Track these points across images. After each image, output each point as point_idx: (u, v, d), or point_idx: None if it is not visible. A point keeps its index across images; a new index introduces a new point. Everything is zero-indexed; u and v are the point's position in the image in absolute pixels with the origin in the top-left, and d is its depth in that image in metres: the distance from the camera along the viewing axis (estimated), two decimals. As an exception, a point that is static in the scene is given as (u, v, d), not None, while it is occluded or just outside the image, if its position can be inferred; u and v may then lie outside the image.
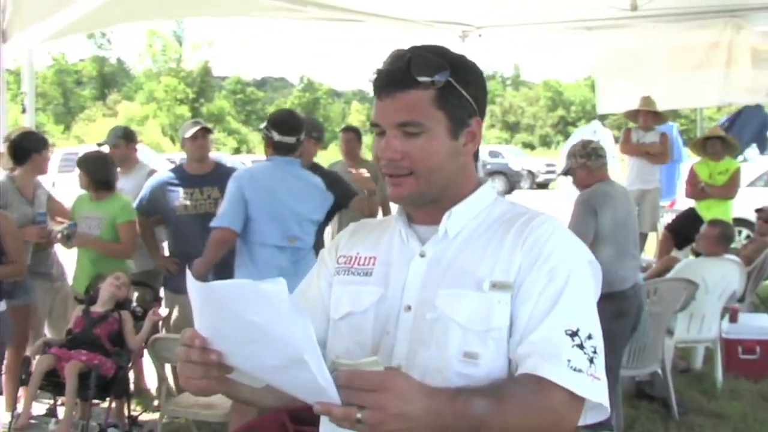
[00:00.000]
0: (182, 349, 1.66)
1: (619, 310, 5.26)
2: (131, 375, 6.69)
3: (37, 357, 5.34)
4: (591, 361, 1.72)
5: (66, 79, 64.23)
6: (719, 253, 6.86)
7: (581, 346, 1.72)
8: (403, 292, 1.91)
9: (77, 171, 6.19)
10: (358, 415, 1.48)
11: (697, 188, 9.16)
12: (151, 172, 6.78)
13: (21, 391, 5.37)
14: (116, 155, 6.80)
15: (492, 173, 31.87)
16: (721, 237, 6.93)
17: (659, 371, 6.24)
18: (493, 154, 34.00)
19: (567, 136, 41.02)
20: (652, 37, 9.79)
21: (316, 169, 5.92)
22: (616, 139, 13.38)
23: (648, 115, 9.81)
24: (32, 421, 5.25)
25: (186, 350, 1.65)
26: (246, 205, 4.94)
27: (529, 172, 35.24)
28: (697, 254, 7.50)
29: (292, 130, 5.16)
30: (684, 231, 8.48)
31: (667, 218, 11.26)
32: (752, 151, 15.62)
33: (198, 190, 6.12)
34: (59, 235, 6.26)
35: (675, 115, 26.02)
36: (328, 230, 6.58)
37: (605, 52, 10.47)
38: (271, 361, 1.53)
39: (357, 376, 1.50)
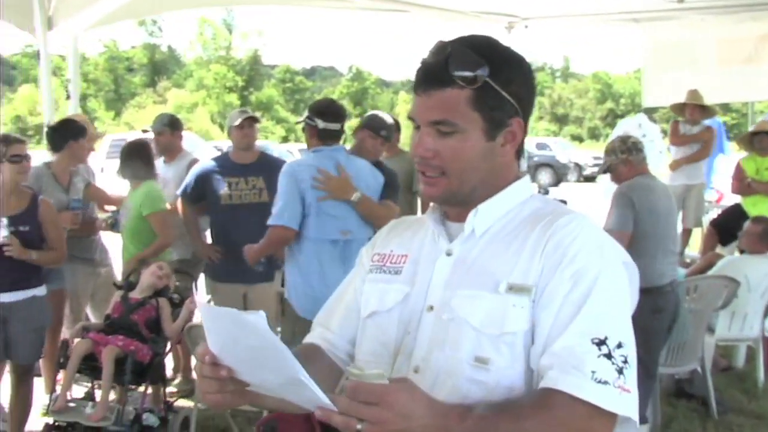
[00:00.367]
0: (197, 365, 1.66)
1: (655, 306, 5.20)
2: (173, 360, 6.81)
3: (76, 341, 5.40)
4: (620, 371, 1.60)
5: (117, 66, 65.04)
6: (762, 250, 6.73)
7: (609, 356, 1.61)
8: (428, 291, 1.86)
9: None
10: (358, 427, 1.47)
11: (743, 184, 8.99)
12: (194, 162, 6.76)
13: (60, 374, 5.43)
14: (161, 143, 6.86)
15: (539, 165, 31.76)
16: (765, 234, 6.80)
17: (699, 369, 6.15)
18: (541, 146, 33.83)
19: (616, 129, 40.70)
20: (701, 29, 9.65)
21: (377, 166, 5.68)
22: (665, 133, 13.18)
23: (695, 109, 9.67)
24: (70, 404, 5.28)
25: (199, 366, 1.65)
26: (303, 200, 4.85)
27: (576, 164, 34.93)
28: (742, 251, 7.38)
29: (336, 117, 5.09)
30: (729, 227, 8.32)
31: (712, 214, 11.09)
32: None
33: (243, 180, 6.11)
34: (103, 224, 6.35)
35: (725, 109, 25.67)
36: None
37: (653, 44, 10.37)
38: (274, 379, 1.57)
39: (360, 388, 1.48)
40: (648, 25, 9.95)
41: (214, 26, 63.81)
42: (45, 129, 6.36)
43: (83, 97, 56.14)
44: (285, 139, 50.35)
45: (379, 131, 5.73)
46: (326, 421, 1.49)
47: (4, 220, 4.98)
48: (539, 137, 38.51)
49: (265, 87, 65.12)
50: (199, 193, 6.19)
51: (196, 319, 5.52)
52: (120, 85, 64.77)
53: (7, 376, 5.37)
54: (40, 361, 5.80)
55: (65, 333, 6.02)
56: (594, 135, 62.23)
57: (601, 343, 1.61)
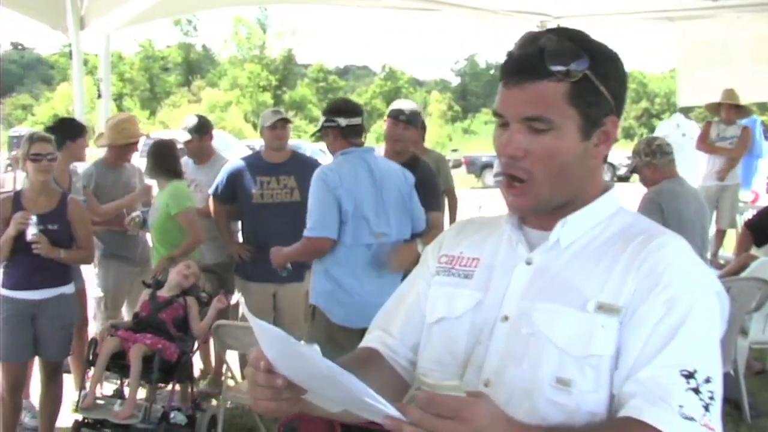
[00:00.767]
0: (249, 370, 1.53)
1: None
2: (200, 359, 6.82)
3: (105, 339, 5.42)
4: (706, 408, 1.49)
5: (152, 65, 65.61)
6: (798, 252, 6.64)
7: (697, 390, 1.50)
8: (503, 300, 1.74)
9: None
10: None
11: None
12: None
13: (90, 372, 5.46)
14: (190, 149, 6.79)
15: (572, 165, 31.46)
16: (800, 236, 6.71)
17: (732, 372, 6.06)
18: (575, 146, 33.53)
19: (651, 128, 40.48)
20: (736, 27, 9.53)
21: (416, 163, 5.66)
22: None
23: (730, 109, 9.57)
24: (99, 402, 5.32)
25: (252, 372, 1.52)
26: (339, 207, 4.72)
27: (610, 164, 34.63)
28: (777, 252, 7.28)
29: (356, 112, 5.00)
30: (764, 228, 8.20)
31: (747, 215, 10.95)
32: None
33: (274, 179, 6.10)
34: (132, 223, 6.37)
35: (762, 108, 25.37)
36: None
37: (687, 43, 10.24)
38: (334, 395, 1.46)
39: (435, 400, 1.35)
40: (682, 23, 9.86)
41: (248, 25, 64.16)
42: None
43: (119, 97, 56.74)
44: (318, 138, 50.40)
45: (398, 117, 5.63)
46: (397, 430, 1.35)
47: (34, 218, 5.00)
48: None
49: (299, 86, 65.44)
50: (231, 192, 6.18)
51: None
52: (155, 84, 65.34)
53: (37, 375, 5.41)
54: (69, 358, 5.84)
55: (93, 331, 6.06)
56: (629, 135, 61.70)
57: (689, 376, 1.51)
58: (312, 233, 4.74)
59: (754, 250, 8.33)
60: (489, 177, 28.19)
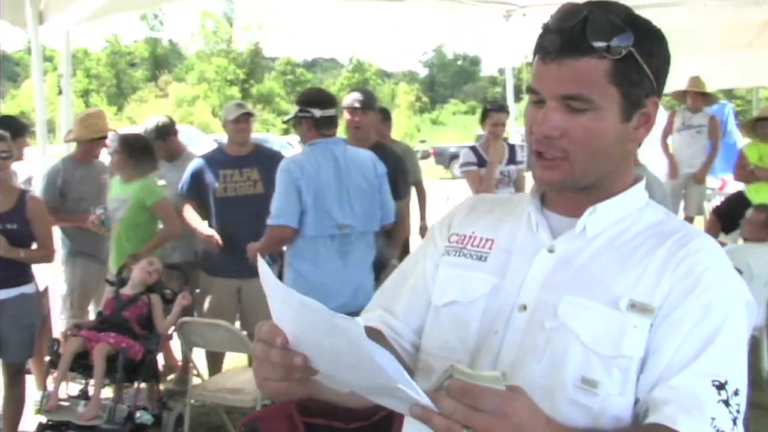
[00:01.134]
0: (260, 346, 1.38)
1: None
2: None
3: (68, 339, 5.33)
4: (734, 422, 1.43)
5: (119, 60, 65.15)
6: (765, 238, 6.65)
7: (727, 403, 1.43)
8: (521, 288, 1.63)
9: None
10: None
11: (746, 171, 8.90)
12: None
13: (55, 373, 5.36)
14: (158, 152, 6.54)
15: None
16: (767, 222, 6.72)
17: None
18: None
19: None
20: (703, 15, 9.53)
21: (383, 149, 5.73)
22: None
23: (696, 96, 9.57)
24: (63, 403, 5.23)
25: (264, 348, 1.37)
26: (300, 197, 4.78)
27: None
28: (744, 239, 7.30)
29: (331, 102, 5.03)
30: (731, 215, 8.22)
31: (715, 201, 11.00)
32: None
33: (237, 172, 6.05)
34: (96, 221, 6.23)
35: (730, 96, 25.58)
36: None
37: (655, 31, 10.23)
38: (360, 381, 1.33)
39: (473, 391, 1.23)
40: (651, 11, 9.78)
41: (215, 19, 63.86)
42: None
43: (85, 93, 56.30)
44: (286, 132, 50.43)
45: (353, 105, 5.80)
46: (425, 420, 1.24)
47: None
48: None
49: (266, 79, 65.26)
50: (196, 189, 6.11)
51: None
52: (122, 79, 64.91)
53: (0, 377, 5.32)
54: (30, 359, 5.73)
55: (60, 330, 5.96)
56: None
57: (720, 387, 1.44)
58: (272, 221, 4.83)
59: (722, 237, 8.37)
60: (457, 168, 28.31)
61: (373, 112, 6.01)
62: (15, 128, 6.11)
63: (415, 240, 6.78)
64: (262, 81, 64.48)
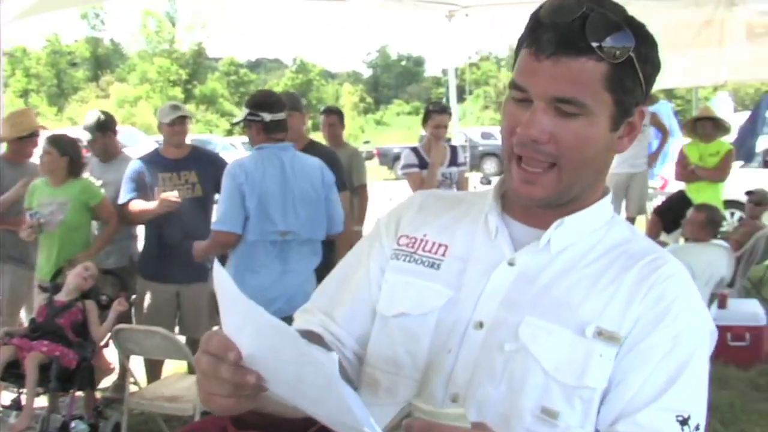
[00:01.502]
0: (208, 360, 1.23)
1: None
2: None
3: (-1, 347, 5.17)
4: None
5: (59, 60, 64.08)
6: (706, 238, 6.70)
7: None
8: (477, 303, 1.52)
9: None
10: None
11: (687, 170, 8.98)
12: None
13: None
14: (94, 148, 6.49)
15: (484, 155, 31.72)
16: (708, 222, 6.77)
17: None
18: (486, 135, 33.66)
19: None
20: (644, 16, 9.56)
21: (313, 148, 5.75)
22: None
23: (637, 96, 9.64)
24: (-7, 414, 5.09)
25: (213, 362, 1.22)
26: (244, 202, 4.74)
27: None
28: (686, 239, 7.35)
29: (281, 106, 4.98)
30: (673, 214, 8.30)
31: (657, 201, 11.09)
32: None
33: (175, 175, 5.94)
34: (35, 226, 6.03)
35: (670, 95, 25.90)
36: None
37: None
38: (318, 410, 1.22)
39: (436, 430, 1.16)
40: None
41: (157, 18, 63.16)
42: None
43: (25, 93, 55.34)
44: (229, 132, 50.18)
45: (298, 107, 5.96)
46: None
47: None
48: (485, 126, 38.56)
49: (210, 80, 64.63)
50: (140, 191, 5.97)
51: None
52: (62, 79, 63.84)
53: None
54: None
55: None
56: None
57: (684, 422, 1.38)
58: (216, 227, 4.85)
59: (663, 237, 8.43)
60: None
61: (299, 113, 5.97)
62: None
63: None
64: (205, 81, 63.87)
